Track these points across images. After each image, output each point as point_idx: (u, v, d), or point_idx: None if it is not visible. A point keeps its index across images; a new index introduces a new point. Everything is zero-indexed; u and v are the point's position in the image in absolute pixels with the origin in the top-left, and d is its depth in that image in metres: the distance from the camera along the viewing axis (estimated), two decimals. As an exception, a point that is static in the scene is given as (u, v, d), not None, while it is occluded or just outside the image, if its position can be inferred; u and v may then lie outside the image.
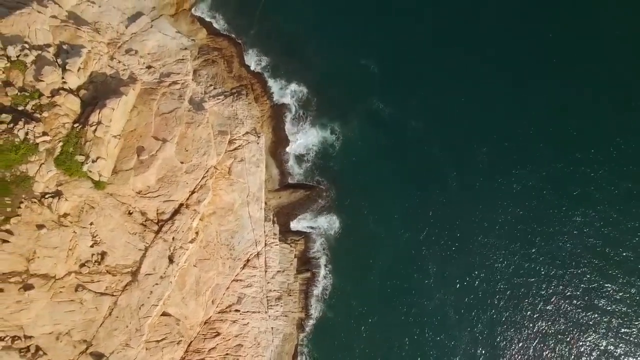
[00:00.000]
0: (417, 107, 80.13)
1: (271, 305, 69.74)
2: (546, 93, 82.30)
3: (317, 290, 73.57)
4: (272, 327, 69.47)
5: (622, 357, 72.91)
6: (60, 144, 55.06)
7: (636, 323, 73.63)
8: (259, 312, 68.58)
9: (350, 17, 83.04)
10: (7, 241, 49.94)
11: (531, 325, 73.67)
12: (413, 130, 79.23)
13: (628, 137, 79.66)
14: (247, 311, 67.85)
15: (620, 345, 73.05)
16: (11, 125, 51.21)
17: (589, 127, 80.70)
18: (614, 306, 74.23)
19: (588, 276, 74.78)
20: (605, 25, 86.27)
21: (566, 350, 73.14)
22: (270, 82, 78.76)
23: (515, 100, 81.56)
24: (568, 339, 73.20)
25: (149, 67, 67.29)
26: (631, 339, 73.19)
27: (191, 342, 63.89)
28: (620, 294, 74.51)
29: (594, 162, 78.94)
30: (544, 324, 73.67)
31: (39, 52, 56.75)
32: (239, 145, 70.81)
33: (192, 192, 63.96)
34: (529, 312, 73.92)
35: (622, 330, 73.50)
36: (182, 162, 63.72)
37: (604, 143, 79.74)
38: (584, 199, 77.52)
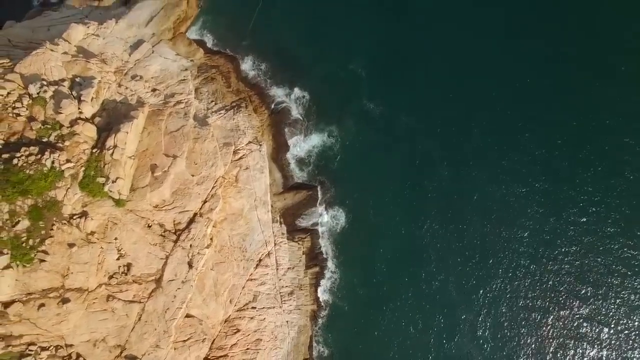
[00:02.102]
0: (404, 104, 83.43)
1: (285, 300, 72.47)
2: (528, 82, 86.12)
3: (326, 283, 76.40)
4: (287, 321, 72.20)
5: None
6: (83, 168, 57.67)
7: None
8: (273, 307, 71.38)
9: (335, 26, 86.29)
10: (45, 260, 52.75)
11: (527, 301, 77.00)
12: (404, 125, 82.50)
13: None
14: (263, 307, 70.58)
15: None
16: (39, 156, 54.05)
17: (574, 112, 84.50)
18: (612, 282, 77.51)
19: (585, 257, 78.11)
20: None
21: (565, 329, 76.42)
22: (269, 91, 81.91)
23: (499, 90, 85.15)
24: (566, 318, 76.48)
25: (154, 90, 69.79)
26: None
27: (214, 339, 66.38)
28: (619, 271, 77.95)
29: (580, 150, 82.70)
30: (541, 301, 76.86)
31: (56, 87, 59.51)
32: (243, 155, 73.56)
33: (204, 202, 66.45)
34: (526, 290, 77.34)
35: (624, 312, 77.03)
36: (192, 175, 66.25)
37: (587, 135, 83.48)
38: (575, 183, 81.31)
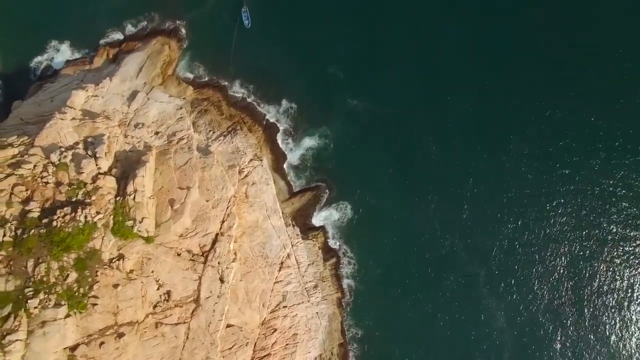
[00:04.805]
0: (385, 95, 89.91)
1: (311, 294, 78.60)
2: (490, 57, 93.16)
3: (345, 271, 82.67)
4: (317, 312, 78.41)
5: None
6: (112, 216, 62.75)
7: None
8: (302, 302, 77.35)
9: (308, 37, 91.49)
10: (96, 304, 58.12)
11: (530, 250, 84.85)
12: (387, 115, 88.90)
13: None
14: (293, 304, 76.53)
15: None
16: (72, 214, 59.18)
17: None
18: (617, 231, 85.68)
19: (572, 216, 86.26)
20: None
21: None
22: (259, 110, 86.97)
23: (472, 72, 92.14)
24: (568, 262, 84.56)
25: (156, 133, 74.57)
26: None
27: (255, 342, 72.29)
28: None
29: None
30: (544, 250, 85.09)
31: (72, 150, 64.44)
32: (248, 172, 78.58)
33: (223, 222, 71.27)
34: (527, 241, 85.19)
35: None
36: (207, 201, 70.98)
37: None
38: (561, 144, 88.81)
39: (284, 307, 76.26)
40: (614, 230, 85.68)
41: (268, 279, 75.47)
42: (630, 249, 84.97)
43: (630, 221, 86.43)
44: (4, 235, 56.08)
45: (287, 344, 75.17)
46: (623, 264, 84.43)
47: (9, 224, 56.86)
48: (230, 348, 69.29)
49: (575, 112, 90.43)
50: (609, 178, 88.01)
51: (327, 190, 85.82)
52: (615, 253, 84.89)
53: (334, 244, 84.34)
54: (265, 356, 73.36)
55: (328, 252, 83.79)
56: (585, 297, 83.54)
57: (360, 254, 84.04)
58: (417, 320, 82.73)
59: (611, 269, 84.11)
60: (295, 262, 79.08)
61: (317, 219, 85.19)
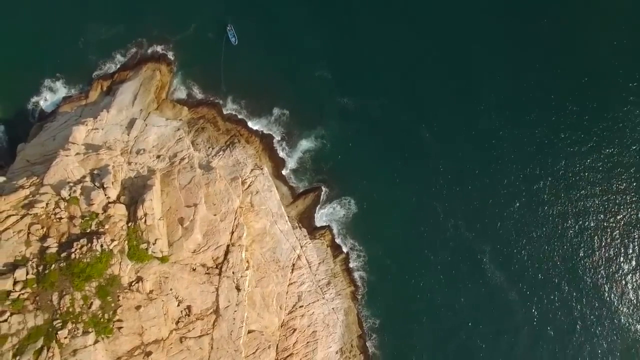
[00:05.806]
0: (374, 90, 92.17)
1: (325, 291, 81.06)
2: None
3: (355, 264, 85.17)
4: (332, 308, 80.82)
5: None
6: (126, 242, 65.00)
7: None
8: (317, 300, 79.90)
9: (292, 45, 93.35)
10: (121, 327, 60.60)
11: (531, 221, 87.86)
12: (379, 108, 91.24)
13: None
14: (309, 303, 79.16)
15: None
16: (89, 245, 61.45)
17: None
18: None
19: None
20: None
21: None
22: (254, 120, 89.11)
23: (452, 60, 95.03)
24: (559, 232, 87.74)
25: (158, 156, 76.68)
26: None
27: (277, 344, 74.80)
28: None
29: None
30: (542, 220, 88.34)
31: (80, 184, 66.41)
32: (250, 182, 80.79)
33: (232, 233, 73.32)
34: (526, 214, 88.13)
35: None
36: (215, 215, 73.01)
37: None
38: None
39: (301, 306, 78.83)
40: (616, 198, 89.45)
41: (282, 282, 77.85)
42: (634, 215, 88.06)
43: (630, 187, 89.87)
44: (27, 273, 58.30)
45: (307, 342, 77.79)
46: (630, 229, 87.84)
47: (30, 262, 59.17)
48: (254, 353, 71.91)
49: (567, 96, 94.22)
50: (606, 148, 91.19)
51: (329, 189, 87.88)
52: (619, 217, 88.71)
53: (341, 239, 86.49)
54: (288, 356, 75.93)
55: (337, 248, 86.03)
56: (594, 266, 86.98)
57: (368, 246, 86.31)
58: (431, 303, 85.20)
59: (617, 235, 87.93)
60: (306, 263, 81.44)
61: (323, 218, 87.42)
